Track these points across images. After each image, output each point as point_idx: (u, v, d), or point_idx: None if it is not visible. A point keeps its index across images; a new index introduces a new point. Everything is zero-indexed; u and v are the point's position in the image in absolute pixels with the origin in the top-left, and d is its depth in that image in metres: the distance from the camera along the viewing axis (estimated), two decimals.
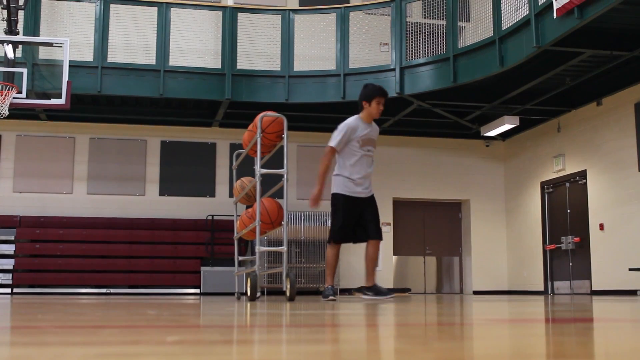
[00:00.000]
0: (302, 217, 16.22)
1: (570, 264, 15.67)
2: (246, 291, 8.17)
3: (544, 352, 2.00)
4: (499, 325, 3.40)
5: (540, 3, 11.34)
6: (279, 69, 14.48)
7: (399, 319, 4.10)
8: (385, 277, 17.21)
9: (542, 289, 16.44)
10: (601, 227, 14.54)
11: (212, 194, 16.59)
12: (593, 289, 14.69)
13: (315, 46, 14.72)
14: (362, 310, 5.40)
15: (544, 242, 16.52)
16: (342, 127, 7.50)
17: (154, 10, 14.23)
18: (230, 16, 14.35)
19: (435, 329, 3.09)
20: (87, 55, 13.79)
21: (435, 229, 18.30)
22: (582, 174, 15.24)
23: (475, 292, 17.55)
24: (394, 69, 14.11)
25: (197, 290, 15.49)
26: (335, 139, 7.46)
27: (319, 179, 7.48)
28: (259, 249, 7.90)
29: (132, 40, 14.12)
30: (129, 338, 2.40)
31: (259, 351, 2.00)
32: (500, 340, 2.48)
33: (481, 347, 2.16)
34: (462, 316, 4.52)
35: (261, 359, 1.79)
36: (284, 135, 8.01)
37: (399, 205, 17.81)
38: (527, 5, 11.67)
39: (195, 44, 14.50)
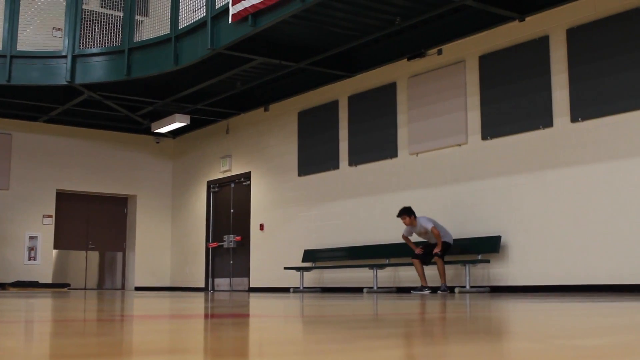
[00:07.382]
0: None
1: (231, 262, 16.21)
2: None
3: (189, 347, 2.04)
4: (142, 321, 3.42)
5: (217, 7, 11.61)
6: None
7: (45, 315, 3.97)
8: (44, 271, 16.52)
9: (203, 285, 16.81)
10: (261, 227, 15.22)
11: None
12: (251, 286, 15.33)
13: None
14: (19, 307, 5.15)
15: (207, 240, 16.92)
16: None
17: None
18: None
19: (65, 326, 3.03)
20: None
21: (100, 224, 17.93)
22: (247, 176, 15.85)
23: (137, 288, 17.48)
24: (65, 56, 13.57)
25: None
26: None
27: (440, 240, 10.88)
28: None
29: None
30: None
31: None
32: (129, 335, 2.50)
33: (81, 344, 2.15)
34: (97, 312, 4.48)
35: None
36: None
37: (63, 198, 17.17)
38: (205, 7, 11.88)
39: None
